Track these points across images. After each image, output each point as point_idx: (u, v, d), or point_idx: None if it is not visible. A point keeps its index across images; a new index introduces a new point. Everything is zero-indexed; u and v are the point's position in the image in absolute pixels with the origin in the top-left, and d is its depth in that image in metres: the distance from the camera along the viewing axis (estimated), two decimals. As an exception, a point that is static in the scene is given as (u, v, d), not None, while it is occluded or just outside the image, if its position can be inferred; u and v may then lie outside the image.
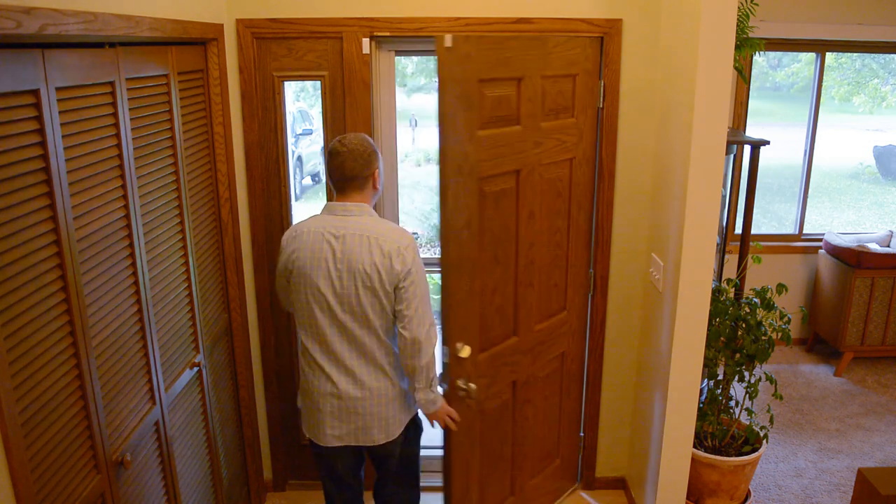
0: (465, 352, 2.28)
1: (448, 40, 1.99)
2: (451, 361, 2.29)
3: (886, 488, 2.04)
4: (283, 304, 2.33)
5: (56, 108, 1.45)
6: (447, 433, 2.32)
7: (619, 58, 2.66)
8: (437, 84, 2.01)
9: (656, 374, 2.66)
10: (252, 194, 2.78)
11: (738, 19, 2.62)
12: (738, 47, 2.59)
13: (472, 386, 2.31)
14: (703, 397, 2.83)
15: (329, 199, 2.41)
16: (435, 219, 8.29)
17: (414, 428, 2.32)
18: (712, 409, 2.82)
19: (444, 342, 2.26)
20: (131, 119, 1.81)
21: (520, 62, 2.29)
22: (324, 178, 2.85)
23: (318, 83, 2.71)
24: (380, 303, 2.06)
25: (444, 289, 2.19)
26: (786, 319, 2.83)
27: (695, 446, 2.77)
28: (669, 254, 2.50)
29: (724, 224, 2.98)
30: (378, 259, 2.02)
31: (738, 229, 3.25)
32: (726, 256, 3.11)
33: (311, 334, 2.12)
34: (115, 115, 1.72)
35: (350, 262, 2.03)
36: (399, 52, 2.80)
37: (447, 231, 2.16)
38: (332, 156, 2.10)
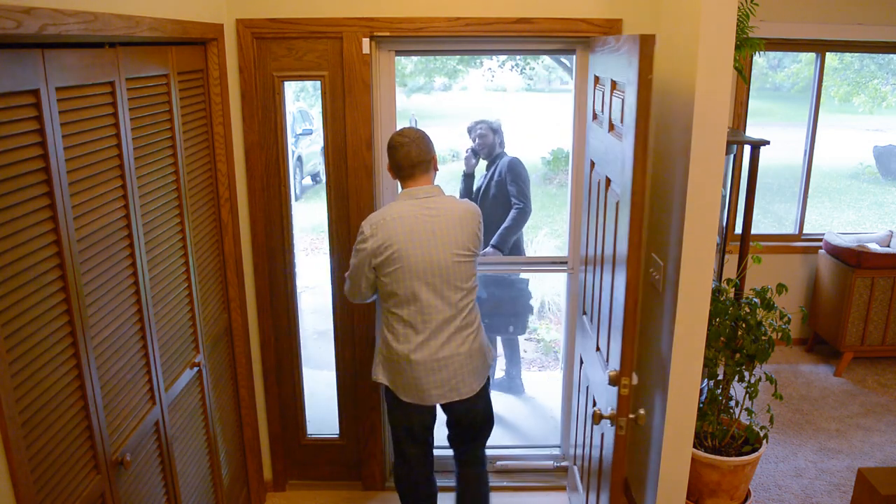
0: (636, 378, 2.12)
1: (656, 41, 1.88)
2: (630, 391, 2.03)
3: (886, 488, 2.04)
4: (353, 292, 2.43)
5: (56, 108, 1.45)
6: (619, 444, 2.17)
7: (619, 58, 2.66)
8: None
9: (656, 374, 2.65)
10: (252, 194, 2.78)
11: (738, 19, 2.61)
12: (738, 47, 2.59)
13: (641, 412, 2.11)
14: (703, 397, 2.83)
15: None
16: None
17: (488, 383, 2.54)
18: (712, 409, 2.82)
19: (623, 373, 2.02)
20: (131, 119, 1.81)
21: None
22: (323, 178, 2.86)
23: (318, 83, 2.71)
24: (469, 269, 2.35)
25: (630, 314, 1.99)
26: (786, 319, 2.83)
27: (695, 446, 2.77)
28: (669, 254, 2.50)
29: (724, 224, 2.98)
30: (469, 231, 2.33)
31: (738, 229, 3.25)
32: (726, 256, 3.10)
33: (410, 308, 2.31)
34: (115, 115, 1.72)
35: (447, 237, 2.29)
36: (399, 53, 2.80)
37: (636, 248, 1.95)
38: (397, 147, 2.33)
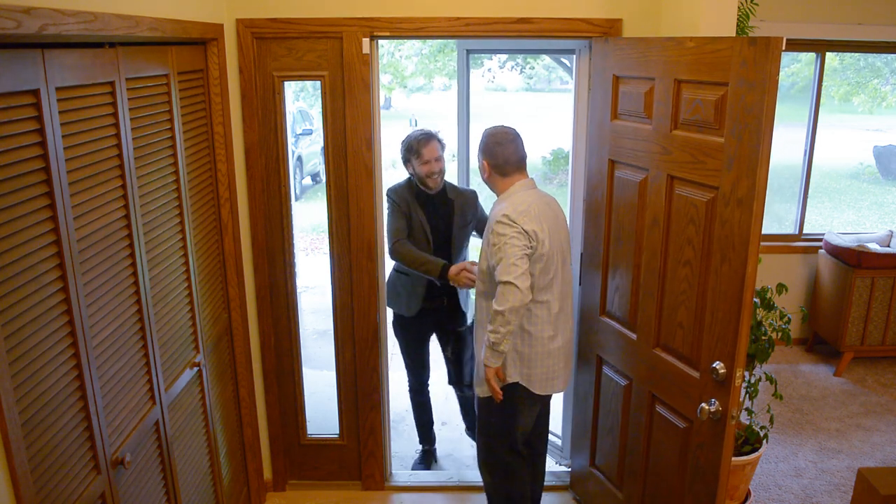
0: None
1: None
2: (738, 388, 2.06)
3: (886, 488, 2.04)
4: (524, 288, 2.19)
5: (56, 108, 1.45)
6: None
7: (619, 58, 2.65)
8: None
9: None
10: (252, 194, 2.78)
11: (738, 19, 2.62)
12: (738, 47, 2.59)
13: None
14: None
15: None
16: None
17: None
18: (712, 409, 2.82)
19: (738, 364, 2.03)
20: (131, 119, 1.81)
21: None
22: (323, 178, 2.86)
23: (318, 83, 2.71)
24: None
25: (748, 308, 1.99)
26: (786, 319, 2.83)
27: (695, 446, 2.77)
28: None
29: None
30: (564, 215, 2.50)
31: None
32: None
33: (553, 291, 2.38)
34: (115, 115, 1.72)
35: (562, 221, 2.45)
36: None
37: (756, 243, 1.97)
38: (504, 143, 2.40)
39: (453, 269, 2.79)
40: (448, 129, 3.32)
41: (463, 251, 3.08)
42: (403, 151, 2.92)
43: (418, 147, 2.85)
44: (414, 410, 3.41)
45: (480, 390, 2.49)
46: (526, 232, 2.24)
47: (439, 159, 2.88)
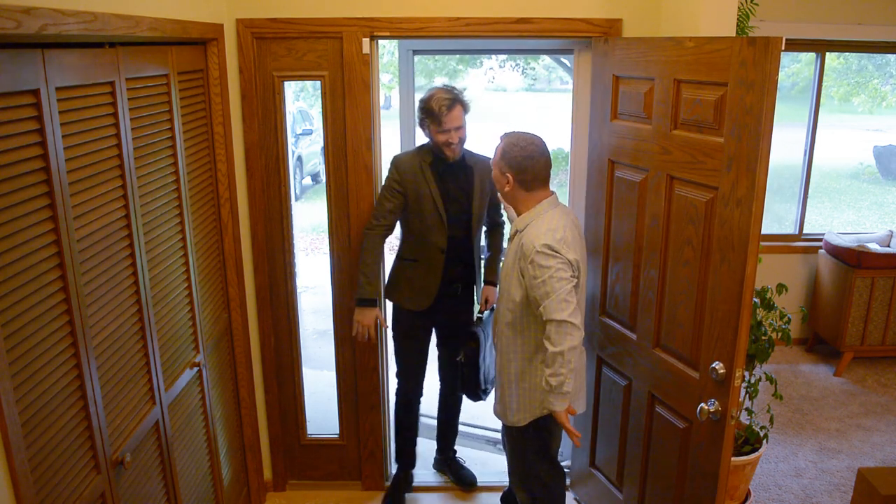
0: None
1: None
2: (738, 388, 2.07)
3: (886, 488, 2.03)
4: (578, 315, 2.14)
5: (56, 108, 1.45)
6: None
7: (619, 58, 2.65)
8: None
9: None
10: (252, 194, 2.78)
11: (738, 19, 2.62)
12: (738, 47, 2.59)
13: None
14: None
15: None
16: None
17: None
18: (712, 409, 2.82)
19: (737, 364, 2.03)
20: (131, 119, 1.81)
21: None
22: (323, 178, 2.86)
23: (318, 83, 2.71)
24: None
25: (747, 308, 1.99)
26: (786, 319, 2.83)
27: (695, 446, 2.77)
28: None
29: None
30: (581, 229, 2.39)
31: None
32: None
33: (579, 317, 2.26)
34: (115, 115, 1.72)
35: (583, 239, 2.36)
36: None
37: (755, 243, 1.95)
38: (535, 157, 2.22)
39: (367, 319, 2.64)
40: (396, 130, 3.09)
41: (481, 227, 2.80)
42: (420, 112, 2.57)
43: (439, 113, 2.49)
44: (397, 426, 3.04)
45: (516, 419, 2.38)
46: (570, 262, 2.15)
47: (461, 128, 2.53)
